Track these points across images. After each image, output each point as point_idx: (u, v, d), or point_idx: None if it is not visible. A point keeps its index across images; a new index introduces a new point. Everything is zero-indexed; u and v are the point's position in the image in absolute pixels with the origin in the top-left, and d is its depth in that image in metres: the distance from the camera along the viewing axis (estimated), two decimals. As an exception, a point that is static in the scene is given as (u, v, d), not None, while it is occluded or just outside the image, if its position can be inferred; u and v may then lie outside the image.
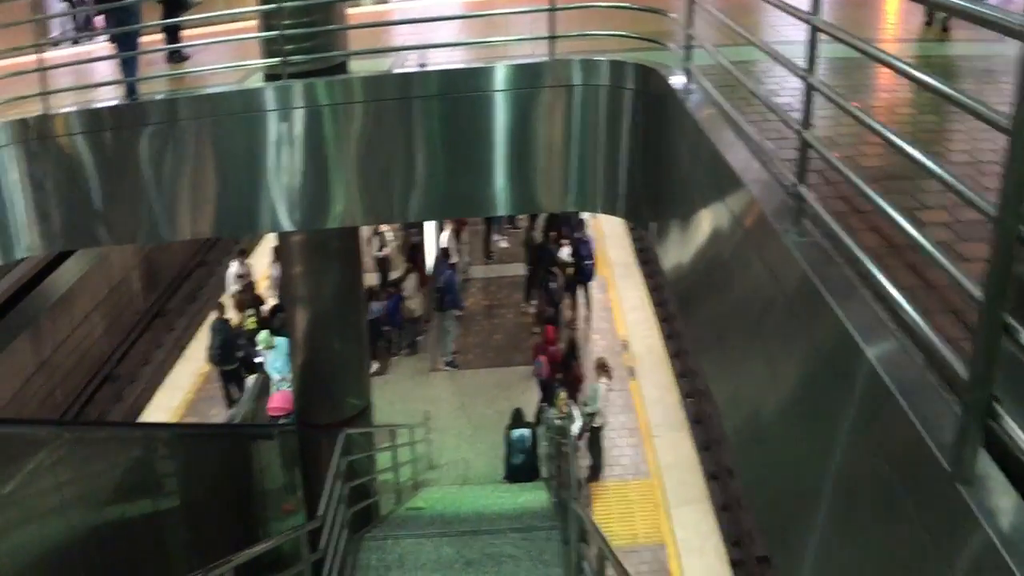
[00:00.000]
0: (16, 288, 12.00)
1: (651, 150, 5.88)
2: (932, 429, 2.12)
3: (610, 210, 6.57)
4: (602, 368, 11.52)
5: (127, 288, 16.66)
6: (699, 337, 4.75)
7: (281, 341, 12.35)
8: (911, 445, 2.15)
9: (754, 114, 4.46)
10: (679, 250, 5.18)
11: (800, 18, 3.21)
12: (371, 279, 15.37)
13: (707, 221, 4.50)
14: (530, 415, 11.78)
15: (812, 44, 3.13)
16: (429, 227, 16.22)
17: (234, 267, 15.61)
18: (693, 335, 5.14)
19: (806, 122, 3.17)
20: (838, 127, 4.13)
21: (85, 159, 6.58)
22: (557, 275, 15.14)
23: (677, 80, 5.26)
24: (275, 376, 12.29)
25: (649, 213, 6.07)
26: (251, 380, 13.74)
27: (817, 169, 3.42)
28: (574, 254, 15.26)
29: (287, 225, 6.78)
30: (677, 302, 5.56)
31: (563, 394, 10.97)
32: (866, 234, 3.09)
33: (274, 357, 12.45)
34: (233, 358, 13.17)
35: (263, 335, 12.53)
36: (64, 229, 6.88)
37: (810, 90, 3.15)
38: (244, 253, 16.44)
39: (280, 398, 11.41)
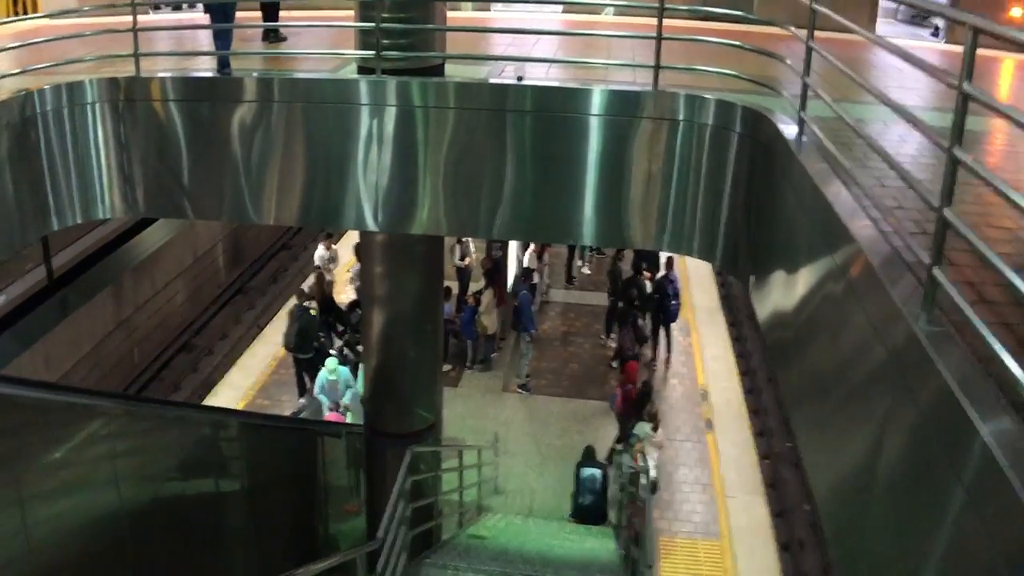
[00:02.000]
0: (100, 246, 11.99)
1: (754, 199, 5.53)
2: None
3: (707, 256, 6.20)
4: (651, 417, 11.07)
5: (211, 260, 16.77)
6: (794, 394, 4.48)
7: (343, 371, 12.25)
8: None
9: (872, 176, 4.12)
10: (779, 304, 4.84)
11: (948, 84, 2.79)
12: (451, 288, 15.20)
13: (813, 280, 4.18)
14: (601, 454, 11.37)
15: (961, 113, 2.74)
16: (512, 244, 15.94)
17: (320, 249, 15.62)
18: (788, 391, 4.79)
19: (947, 198, 2.78)
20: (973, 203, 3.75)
21: (172, 127, 6.48)
22: (640, 312, 14.76)
23: (789, 129, 4.90)
24: (325, 402, 12.10)
25: (747, 263, 5.71)
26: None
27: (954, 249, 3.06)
28: (658, 292, 14.83)
29: (371, 224, 6.60)
30: (772, 355, 5.21)
31: (639, 443, 10.53)
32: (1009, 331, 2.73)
33: (329, 386, 12.23)
34: (310, 347, 13.05)
35: (330, 362, 12.33)
36: (146, 196, 6.76)
37: (954, 165, 2.76)
38: (331, 237, 16.41)
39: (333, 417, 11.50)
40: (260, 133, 6.33)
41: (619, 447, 11.53)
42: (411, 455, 7.68)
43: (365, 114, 6.15)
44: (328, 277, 15.46)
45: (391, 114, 6.12)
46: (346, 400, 12.02)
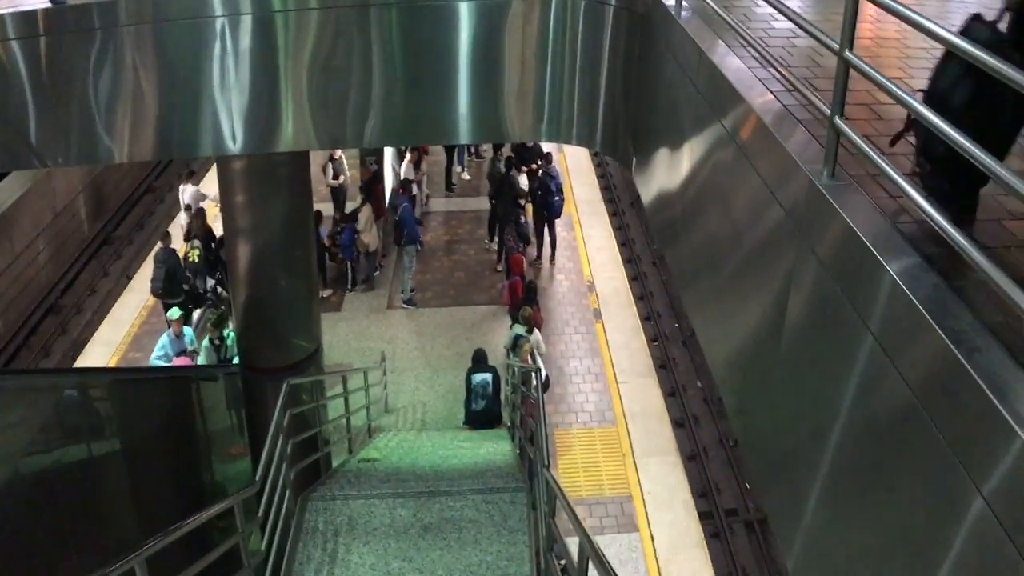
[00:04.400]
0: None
1: (634, 76, 5.33)
2: None
3: (587, 142, 6.00)
4: (525, 321, 11.00)
5: (72, 214, 15.82)
6: (684, 272, 4.43)
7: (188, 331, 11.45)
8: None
9: (758, 35, 3.96)
10: (665, 181, 4.70)
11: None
12: (326, 209, 14.69)
13: (701, 151, 4.03)
14: (492, 357, 11.30)
15: None
16: (388, 157, 15.43)
17: (190, 188, 14.79)
18: (677, 270, 4.72)
19: (849, 40, 2.61)
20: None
21: (4, 70, 5.80)
22: (524, 210, 14.56)
23: None
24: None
25: (630, 145, 5.54)
26: (197, 315, 13.15)
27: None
28: (541, 189, 14.64)
29: (233, 148, 6.10)
30: (659, 237, 5.15)
31: (527, 343, 10.46)
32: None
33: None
34: (179, 290, 12.46)
35: (172, 312, 11.35)
36: None
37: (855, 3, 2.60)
38: (193, 175, 15.58)
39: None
40: (101, 65, 5.71)
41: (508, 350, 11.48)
42: (287, 388, 7.40)
43: (218, 28, 5.57)
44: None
45: (247, 24, 5.58)
46: (189, 344, 11.25)
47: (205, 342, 11.01)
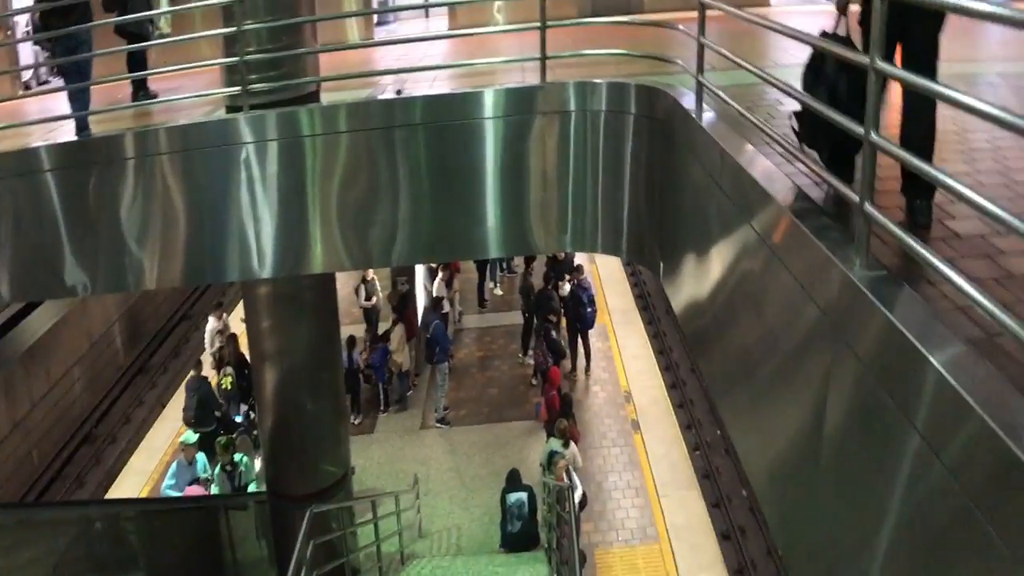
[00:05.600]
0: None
1: (657, 181, 5.30)
2: None
3: (612, 250, 6.00)
4: (561, 434, 10.67)
5: (108, 343, 15.98)
6: (718, 380, 4.27)
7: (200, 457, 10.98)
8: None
9: (781, 132, 3.88)
10: (694, 286, 4.59)
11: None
12: (359, 331, 14.68)
13: (730, 252, 3.91)
14: (527, 476, 10.95)
15: (881, 23, 2.49)
16: (419, 275, 15.48)
17: (211, 322, 14.88)
18: (712, 378, 4.58)
19: (874, 121, 2.52)
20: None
21: (32, 202, 5.95)
22: (556, 323, 14.42)
23: (688, 99, 4.69)
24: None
25: (656, 250, 5.46)
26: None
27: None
28: (573, 300, 14.53)
29: (260, 272, 6.13)
30: (692, 343, 4.99)
31: (562, 460, 10.12)
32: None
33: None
34: (210, 419, 12.36)
35: (188, 436, 11.08)
36: (11, 278, 6.20)
37: (881, 84, 2.51)
38: (221, 306, 15.72)
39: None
40: (128, 194, 5.83)
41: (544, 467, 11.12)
42: (310, 516, 7.16)
43: (245, 154, 5.69)
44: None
45: (274, 149, 5.68)
46: (201, 472, 10.79)
47: (218, 469, 10.75)
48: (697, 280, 4.55)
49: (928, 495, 2.12)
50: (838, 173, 2.97)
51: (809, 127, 3.38)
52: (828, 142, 3.25)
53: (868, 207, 2.53)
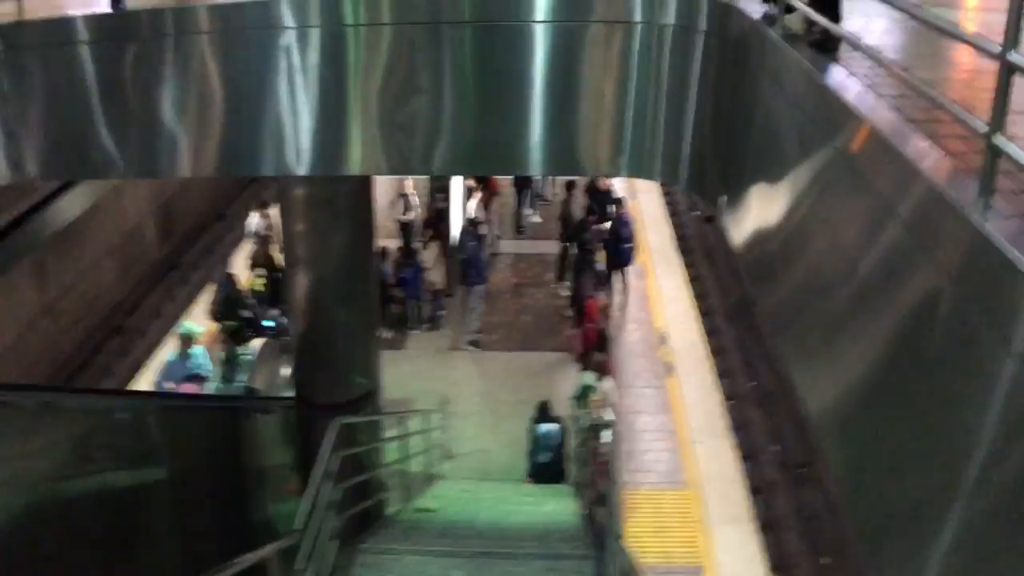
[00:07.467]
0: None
1: (725, 107, 4.85)
2: None
3: (670, 179, 5.53)
4: (597, 367, 10.36)
5: (140, 236, 15.82)
6: (781, 315, 3.99)
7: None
8: None
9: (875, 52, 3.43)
10: (759, 219, 4.23)
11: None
12: (392, 245, 14.37)
13: (806, 179, 3.55)
14: (558, 408, 10.71)
15: None
16: (456, 193, 15.05)
17: (254, 220, 14.63)
18: (772, 313, 4.23)
19: (1013, 39, 2.13)
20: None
21: (64, 75, 5.60)
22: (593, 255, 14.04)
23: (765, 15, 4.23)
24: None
25: (717, 181, 5.05)
26: (256, 345, 12.82)
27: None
28: (612, 235, 14.11)
29: (297, 168, 5.78)
30: (753, 278, 4.64)
31: (597, 394, 9.84)
32: None
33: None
34: (235, 315, 12.14)
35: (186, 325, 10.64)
36: (38, 156, 5.88)
37: None
38: (265, 205, 15.44)
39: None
40: (161, 75, 5.47)
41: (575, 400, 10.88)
42: (337, 428, 6.94)
43: (286, 40, 5.31)
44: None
45: (316, 37, 5.30)
46: (198, 367, 10.38)
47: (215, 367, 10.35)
48: (763, 213, 4.20)
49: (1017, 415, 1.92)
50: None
51: None
52: None
53: (998, 138, 2.17)
